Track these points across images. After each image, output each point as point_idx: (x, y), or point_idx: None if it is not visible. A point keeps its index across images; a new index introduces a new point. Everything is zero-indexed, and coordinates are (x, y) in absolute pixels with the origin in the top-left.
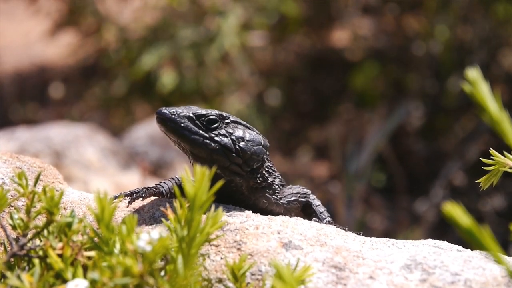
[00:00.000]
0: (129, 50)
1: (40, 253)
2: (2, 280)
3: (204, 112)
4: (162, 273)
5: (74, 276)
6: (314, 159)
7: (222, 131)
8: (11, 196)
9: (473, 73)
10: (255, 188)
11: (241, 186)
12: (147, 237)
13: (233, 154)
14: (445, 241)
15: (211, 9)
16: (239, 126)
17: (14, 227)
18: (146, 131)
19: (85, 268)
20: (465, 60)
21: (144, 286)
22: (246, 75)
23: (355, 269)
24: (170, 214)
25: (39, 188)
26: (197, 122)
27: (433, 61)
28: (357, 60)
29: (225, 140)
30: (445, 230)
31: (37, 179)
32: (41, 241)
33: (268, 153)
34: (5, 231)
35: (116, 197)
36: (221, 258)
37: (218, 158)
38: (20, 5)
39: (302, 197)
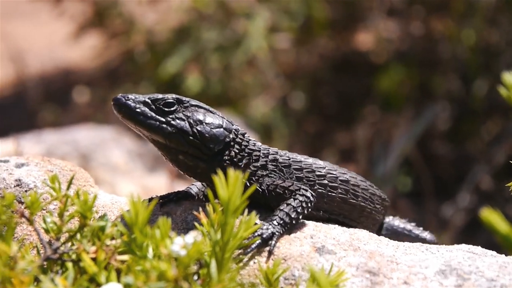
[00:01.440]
0: (154, 53)
1: (73, 256)
2: (36, 283)
3: (160, 96)
4: (195, 277)
5: (107, 280)
6: (339, 162)
7: (180, 115)
8: (43, 199)
9: (510, 78)
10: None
11: (209, 170)
12: (181, 241)
13: (191, 137)
14: (479, 246)
15: (238, 12)
16: (200, 109)
17: (47, 231)
18: None
19: (118, 272)
20: (491, 62)
21: None
22: (271, 78)
23: (389, 274)
24: (203, 218)
25: (71, 192)
26: (153, 106)
27: (460, 63)
28: (382, 63)
29: (182, 123)
30: (472, 234)
31: (70, 183)
32: (73, 244)
33: (242, 135)
34: (38, 234)
35: (150, 201)
36: (254, 262)
37: (176, 142)
38: (43, 7)
39: (287, 193)
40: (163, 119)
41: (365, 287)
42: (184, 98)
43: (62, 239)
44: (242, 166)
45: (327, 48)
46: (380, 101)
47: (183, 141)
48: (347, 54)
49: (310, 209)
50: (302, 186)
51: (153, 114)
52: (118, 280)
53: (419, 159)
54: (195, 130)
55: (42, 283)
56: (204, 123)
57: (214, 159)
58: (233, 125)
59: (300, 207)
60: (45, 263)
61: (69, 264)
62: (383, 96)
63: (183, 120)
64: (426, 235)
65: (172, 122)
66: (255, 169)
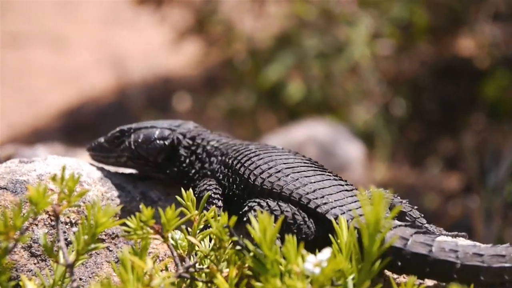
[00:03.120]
0: (255, 60)
1: (203, 276)
2: None
3: (109, 134)
4: None
5: None
6: (444, 170)
7: (126, 143)
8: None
9: None
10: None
11: (173, 179)
12: (314, 259)
13: (138, 159)
14: None
15: (341, 19)
16: (140, 131)
17: (175, 247)
18: (274, 143)
19: None
20: None
21: None
22: (373, 85)
23: None
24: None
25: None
26: (106, 145)
27: None
28: (486, 69)
29: (128, 150)
30: None
31: (203, 202)
32: (203, 263)
33: (190, 139)
34: (172, 252)
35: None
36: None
37: (132, 166)
38: (141, 13)
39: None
40: (115, 154)
41: None
42: (126, 128)
43: (195, 258)
44: (196, 170)
45: (428, 54)
46: (486, 108)
47: (135, 163)
48: (449, 59)
49: None
50: None
51: (108, 152)
52: None
53: None
54: (136, 152)
55: None
56: (140, 143)
57: (169, 167)
58: (173, 131)
59: None
60: (175, 281)
61: (199, 283)
62: (490, 103)
63: (128, 146)
64: None
65: (121, 152)
66: (194, 174)
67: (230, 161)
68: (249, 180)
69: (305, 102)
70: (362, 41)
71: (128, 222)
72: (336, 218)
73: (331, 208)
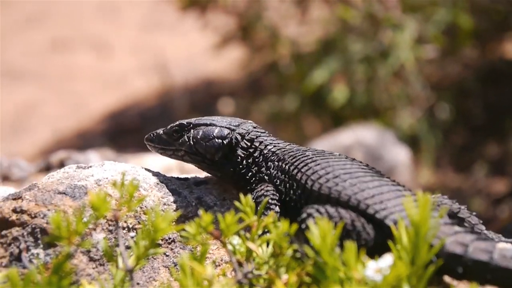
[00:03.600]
0: (299, 65)
1: (261, 282)
2: None
3: (168, 127)
4: None
5: None
6: (489, 174)
7: (185, 138)
8: None
9: None
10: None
11: (226, 178)
12: (374, 265)
13: (195, 155)
14: None
15: (385, 23)
16: (200, 127)
17: (233, 252)
18: (321, 147)
19: None
20: None
21: None
22: (418, 89)
23: None
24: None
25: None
26: (165, 137)
27: None
28: None
29: (186, 145)
30: None
31: (262, 208)
32: (259, 269)
33: (248, 140)
34: (230, 258)
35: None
36: None
37: (189, 161)
38: (184, 18)
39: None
40: (174, 147)
41: None
42: (186, 122)
43: (253, 264)
44: (253, 173)
45: (473, 57)
46: None
47: (192, 158)
48: (494, 63)
49: None
50: None
51: (167, 144)
52: None
53: None
54: (194, 148)
55: None
56: (199, 140)
57: (225, 166)
58: (232, 131)
59: None
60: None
61: None
62: None
63: (187, 142)
64: None
65: (180, 147)
66: (251, 177)
67: (287, 167)
68: (306, 186)
69: (349, 106)
70: (407, 45)
71: (187, 228)
72: (395, 224)
73: (390, 214)
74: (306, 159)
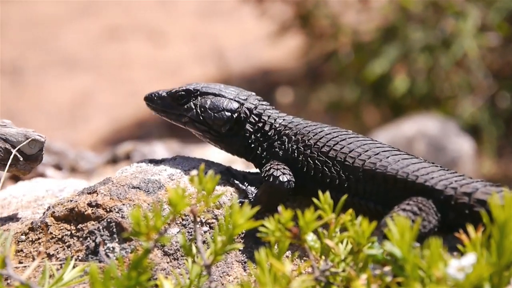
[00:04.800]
0: (359, 53)
1: (338, 279)
2: None
3: (173, 90)
4: None
5: None
6: None
7: (191, 104)
8: None
9: None
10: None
11: (231, 149)
12: (457, 263)
13: (201, 124)
14: None
15: (447, 11)
16: (208, 96)
17: (310, 248)
18: (382, 137)
19: None
20: None
21: None
22: (480, 78)
23: None
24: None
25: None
26: (170, 100)
27: None
28: None
29: (192, 112)
30: None
31: (340, 205)
32: (337, 266)
33: (256, 114)
34: (309, 255)
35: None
36: None
37: (192, 128)
38: (241, 6)
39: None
40: (178, 112)
41: None
42: (193, 88)
43: (329, 261)
44: (264, 148)
45: None
46: None
47: (197, 127)
48: None
49: None
50: None
51: (171, 108)
52: None
53: None
54: (201, 117)
55: None
56: (207, 109)
57: (231, 139)
58: (242, 104)
59: None
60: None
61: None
62: None
63: (193, 109)
64: None
65: (184, 112)
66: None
67: (312, 142)
68: (346, 163)
69: (409, 96)
70: (470, 34)
71: (266, 224)
72: (445, 188)
73: (439, 181)
74: (334, 137)
